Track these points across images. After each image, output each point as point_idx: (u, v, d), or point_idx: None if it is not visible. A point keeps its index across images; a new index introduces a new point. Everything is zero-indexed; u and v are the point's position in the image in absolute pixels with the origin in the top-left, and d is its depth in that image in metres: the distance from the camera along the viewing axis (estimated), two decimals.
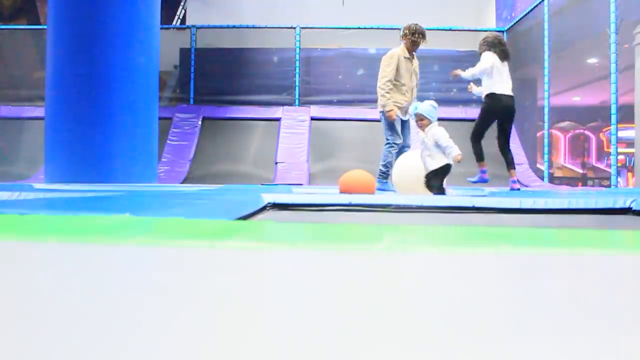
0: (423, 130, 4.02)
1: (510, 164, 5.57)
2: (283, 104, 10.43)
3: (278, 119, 10.08)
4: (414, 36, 4.87)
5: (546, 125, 8.89)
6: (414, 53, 4.99)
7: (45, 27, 7.03)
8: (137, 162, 6.28)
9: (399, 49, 4.97)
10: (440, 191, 3.87)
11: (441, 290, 0.60)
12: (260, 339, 0.40)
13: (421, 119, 4.01)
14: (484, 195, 3.71)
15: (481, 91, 5.36)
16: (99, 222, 1.16)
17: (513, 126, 9.96)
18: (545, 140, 9.02)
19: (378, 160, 9.07)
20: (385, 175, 4.94)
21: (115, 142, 6.03)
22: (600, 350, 0.39)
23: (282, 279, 0.68)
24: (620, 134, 7.42)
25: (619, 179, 8.62)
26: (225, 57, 10.80)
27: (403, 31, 4.94)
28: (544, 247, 0.97)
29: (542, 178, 9.08)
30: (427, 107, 4.03)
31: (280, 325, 0.44)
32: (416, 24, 4.96)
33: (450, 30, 10.82)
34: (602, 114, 11.87)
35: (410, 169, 4.12)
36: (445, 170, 3.93)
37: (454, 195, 3.65)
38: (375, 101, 10.95)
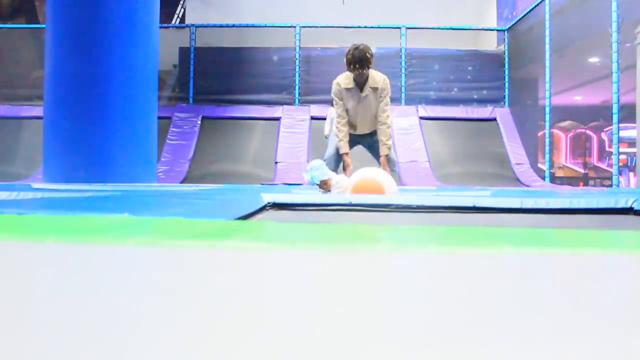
0: (325, 189, 3.67)
1: None
2: (283, 103, 10.43)
3: (278, 119, 10.08)
4: (349, 67, 3.90)
5: (547, 125, 8.90)
6: (366, 81, 3.95)
7: (43, 26, 7.03)
8: (136, 161, 6.27)
9: (342, 76, 4.06)
10: None
11: (442, 291, 0.60)
12: (260, 339, 0.40)
13: (325, 183, 3.65)
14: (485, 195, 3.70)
15: None
16: (98, 222, 1.16)
17: (514, 126, 10.02)
18: (547, 140, 9.03)
19: (376, 160, 9.01)
20: None
21: (114, 141, 6.02)
22: (601, 351, 0.39)
23: (282, 279, 0.68)
24: (622, 133, 7.43)
25: (621, 179, 8.63)
26: (224, 56, 10.80)
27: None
28: (545, 247, 0.97)
29: (543, 178, 9.09)
30: (320, 171, 3.66)
31: (280, 326, 0.44)
32: (352, 49, 3.86)
33: (451, 29, 10.82)
34: (603, 113, 11.88)
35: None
36: None
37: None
38: None
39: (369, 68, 3.89)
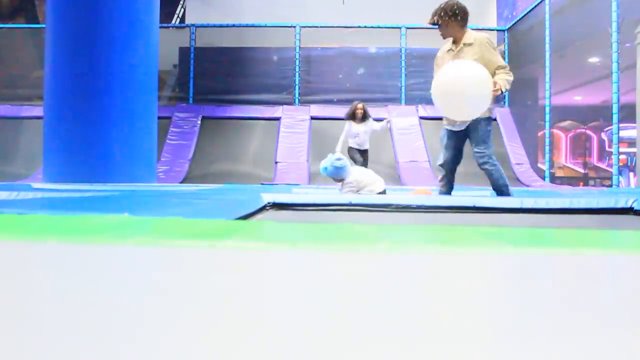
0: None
1: None
2: (283, 103, 10.43)
3: (278, 119, 10.08)
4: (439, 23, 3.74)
5: (547, 125, 8.90)
6: (461, 42, 3.77)
7: (44, 26, 7.03)
8: (136, 161, 6.27)
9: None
10: None
11: (442, 291, 0.60)
12: (260, 339, 0.40)
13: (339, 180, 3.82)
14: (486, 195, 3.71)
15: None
16: (98, 222, 1.16)
17: (514, 126, 10.02)
18: (547, 140, 9.03)
19: (378, 159, 9.01)
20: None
21: (114, 141, 6.02)
22: (601, 350, 0.39)
23: (282, 279, 0.68)
24: (622, 133, 7.42)
25: (621, 179, 8.63)
26: (224, 56, 10.80)
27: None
28: (545, 247, 0.97)
29: (543, 178, 9.09)
30: (332, 168, 3.79)
31: (280, 326, 0.44)
32: (441, 5, 3.74)
33: None
34: (603, 113, 11.88)
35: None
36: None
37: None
38: (375, 100, 10.79)
39: (445, 22, 3.69)
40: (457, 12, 3.68)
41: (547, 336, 0.42)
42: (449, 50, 3.80)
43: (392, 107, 10.13)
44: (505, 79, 3.54)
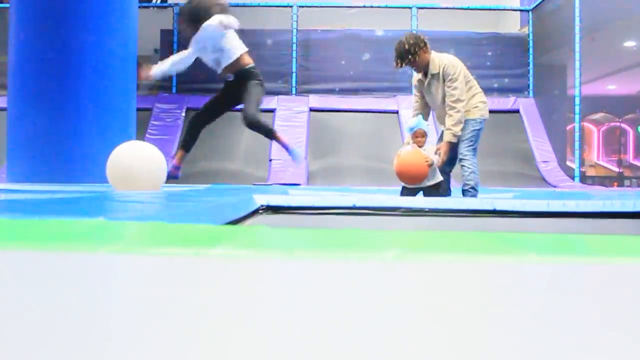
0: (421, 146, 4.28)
1: None
2: (278, 93, 10.43)
3: (272, 110, 10.08)
4: None
5: (577, 118, 8.90)
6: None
7: (7, 5, 7.04)
8: None
9: None
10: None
11: (458, 304, 0.60)
12: (252, 357, 0.40)
13: (422, 135, 4.36)
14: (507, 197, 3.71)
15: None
16: (69, 227, 1.16)
17: (540, 119, 10.02)
18: (576, 135, 9.03)
19: (384, 156, 9.04)
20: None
21: (87, 136, 6.03)
22: None
23: (277, 291, 0.69)
24: None
25: None
26: None
27: None
28: (575, 255, 0.97)
29: (572, 177, 9.10)
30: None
31: (274, 343, 0.44)
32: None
33: (468, 9, 10.81)
34: None
35: None
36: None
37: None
38: (383, 90, 10.81)
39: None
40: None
41: (577, 354, 0.42)
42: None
43: (402, 97, 10.14)
44: (450, 134, 4.38)
